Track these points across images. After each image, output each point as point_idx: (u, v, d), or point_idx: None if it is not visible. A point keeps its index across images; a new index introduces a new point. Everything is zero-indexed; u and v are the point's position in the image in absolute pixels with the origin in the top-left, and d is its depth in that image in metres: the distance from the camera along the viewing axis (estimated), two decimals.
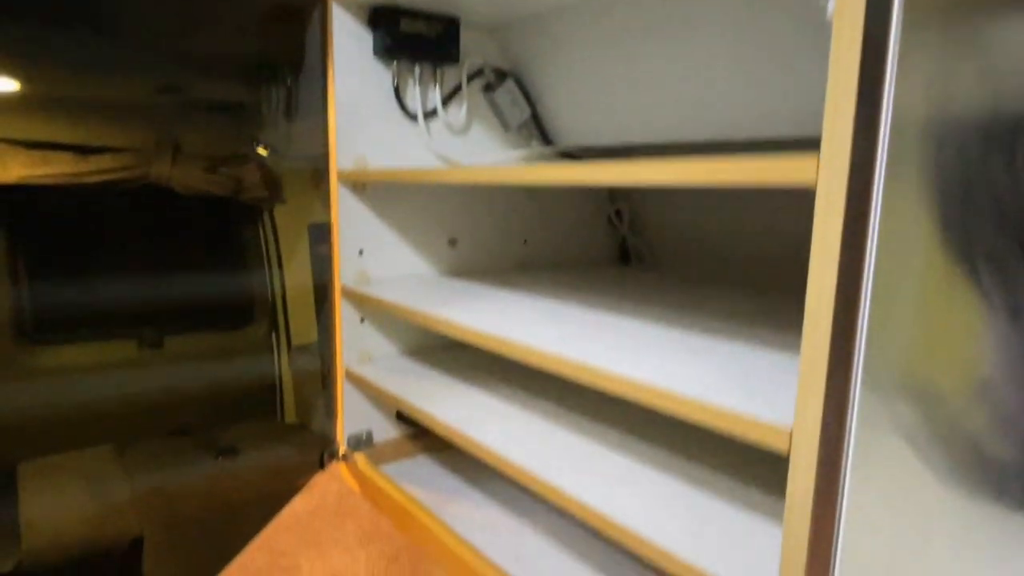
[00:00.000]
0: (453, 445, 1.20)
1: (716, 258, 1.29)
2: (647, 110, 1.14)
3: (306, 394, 2.60)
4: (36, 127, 2.07)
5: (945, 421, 0.61)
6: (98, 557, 1.91)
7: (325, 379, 1.19)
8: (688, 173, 0.58)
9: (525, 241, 1.36)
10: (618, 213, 1.45)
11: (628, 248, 1.47)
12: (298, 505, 1.07)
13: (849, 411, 0.49)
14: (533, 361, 0.75)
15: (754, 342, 0.80)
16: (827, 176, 0.47)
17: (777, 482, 0.77)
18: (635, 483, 0.76)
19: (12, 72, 1.70)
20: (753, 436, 0.55)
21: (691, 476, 0.78)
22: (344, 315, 1.14)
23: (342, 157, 1.11)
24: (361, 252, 1.15)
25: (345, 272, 1.13)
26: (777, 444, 0.52)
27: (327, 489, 1.15)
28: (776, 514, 0.69)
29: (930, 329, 0.54)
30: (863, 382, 0.49)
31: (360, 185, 1.14)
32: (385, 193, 1.17)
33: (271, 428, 2.65)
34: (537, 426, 0.91)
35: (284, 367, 2.73)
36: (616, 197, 1.44)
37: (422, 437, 1.26)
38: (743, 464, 0.82)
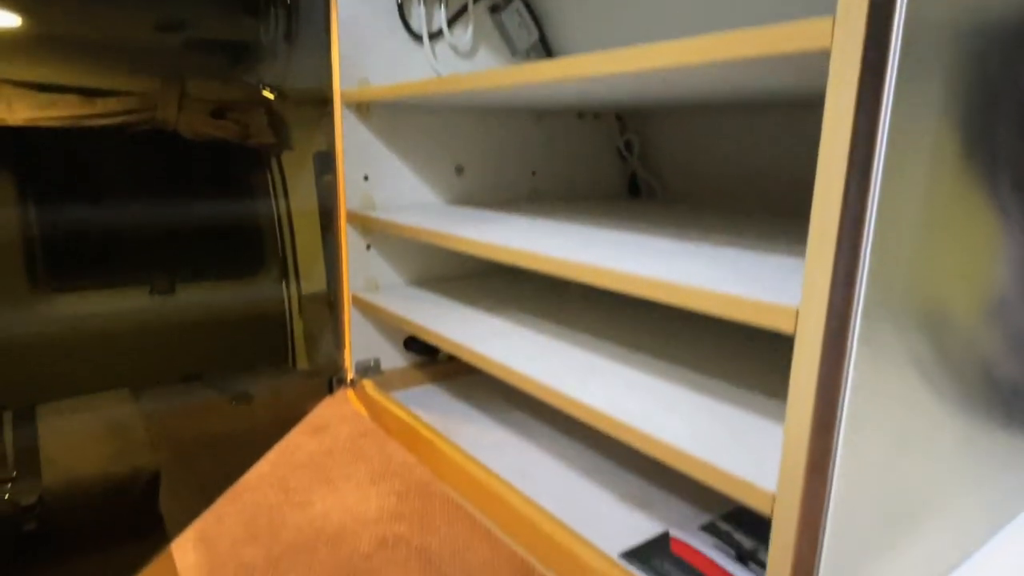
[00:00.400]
0: (460, 362, 1.21)
1: (728, 192, 1.27)
2: (660, 32, 1.10)
3: (316, 340, 2.62)
4: (42, 70, 2.06)
5: (955, 346, 0.60)
6: (116, 492, 1.96)
7: (332, 307, 1.19)
8: (686, 53, 0.56)
9: (534, 172, 1.34)
10: (627, 145, 1.42)
11: (638, 181, 1.44)
12: (310, 441, 1.08)
13: (856, 292, 0.48)
14: (542, 267, 0.74)
15: (764, 250, 0.79)
16: (842, 37, 0.45)
17: (783, 389, 0.77)
18: (641, 389, 0.75)
19: (14, 8, 1.68)
20: (761, 319, 0.54)
21: (696, 383, 0.78)
22: (350, 241, 1.14)
23: (345, 80, 1.09)
24: (366, 178, 1.14)
25: (350, 198, 1.12)
26: (783, 325, 0.51)
27: (337, 415, 1.16)
28: (780, 415, 0.69)
29: (942, 235, 0.53)
30: (871, 270, 0.48)
31: (364, 108, 1.12)
32: (390, 118, 1.15)
33: (283, 375, 2.69)
34: (547, 342, 0.91)
35: (296, 315, 2.75)
36: (626, 128, 1.42)
37: (430, 366, 1.26)
38: (749, 374, 0.81)
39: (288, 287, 2.64)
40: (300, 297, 2.67)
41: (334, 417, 1.12)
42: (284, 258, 2.64)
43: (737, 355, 0.87)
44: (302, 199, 2.56)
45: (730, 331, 0.98)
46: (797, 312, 0.50)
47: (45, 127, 2.01)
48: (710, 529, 0.80)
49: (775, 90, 0.83)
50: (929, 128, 0.48)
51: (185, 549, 0.81)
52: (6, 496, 1.89)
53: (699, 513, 0.84)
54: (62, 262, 2.34)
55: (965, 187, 0.52)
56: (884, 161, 0.46)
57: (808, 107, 1.07)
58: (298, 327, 2.67)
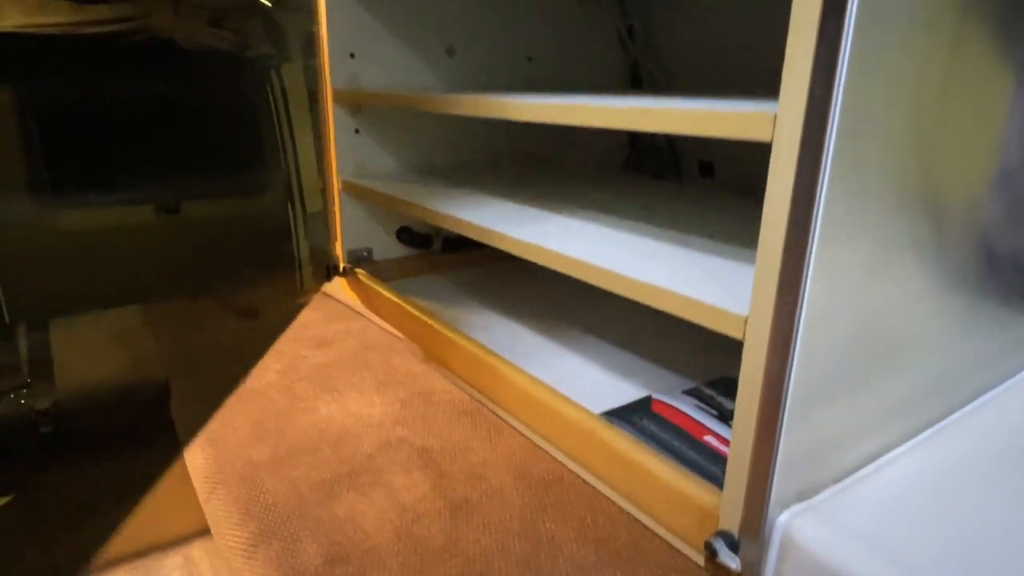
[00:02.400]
0: (453, 255, 1.19)
1: (734, 81, 1.21)
2: None
3: (319, 259, 2.62)
4: None
5: (954, 223, 0.57)
6: (127, 399, 2.01)
7: (323, 195, 1.18)
8: None
9: (529, 59, 1.29)
10: (630, 31, 1.36)
11: (640, 71, 1.39)
12: (315, 353, 1.07)
13: (834, 95, 0.45)
14: (532, 117, 0.71)
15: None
16: None
17: None
18: (624, 245, 0.73)
19: None
20: (741, 132, 0.51)
21: (676, 239, 0.76)
22: (337, 125, 1.11)
23: None
24: (352, 55, 1.10)
25: (336, 76, 1.09)
26: (761, 134, 0.49)
27: (342, 330, 1.16)
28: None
29: (944, 99, 0.49)
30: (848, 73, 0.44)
31: None
32: None
33: (289, 291, 2.70)
34: (537, 212, 0.89)
35: (301, 235, 2.74)
36: (628, 11, 1.35)
37: (424, 258, 1.25)
38: (728, 232, 0.79)
39: (293, 204, 2.63)
40: (305, 213, 2.67)
41: (335, 323, 1.12)
42: (288, 174, 2.61)
43: (721, 216, 0.85)
44: (303, 112, 2.51)
45: (713, 194, 0.96)
46: (775, 117, 0.47)
47: (40, 35, 1.97)
48: (693, 393, 0.79)
49: None
50: None
51: (195, 452, 0.83)
52: (23, 401, 1.94)
53: (684, 382, 0.84)
54: (67, 177, 2.34)
55: (972, 49, 0.48)
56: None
57: None
58: (303, 245, 2.68)
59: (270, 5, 2.21)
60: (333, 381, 1.01)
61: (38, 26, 1.96)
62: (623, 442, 0.66)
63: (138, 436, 2.07)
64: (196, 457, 0.81)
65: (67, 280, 2.31)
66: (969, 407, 0.67)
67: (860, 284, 0.50)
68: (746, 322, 0.51)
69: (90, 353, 2.08)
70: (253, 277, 2.59)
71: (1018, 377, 0.72)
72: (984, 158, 0.57)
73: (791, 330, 0.48)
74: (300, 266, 2.74)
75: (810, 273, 0.46)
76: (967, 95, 0.52)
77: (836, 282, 0.48)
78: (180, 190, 2.53)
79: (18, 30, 1.92)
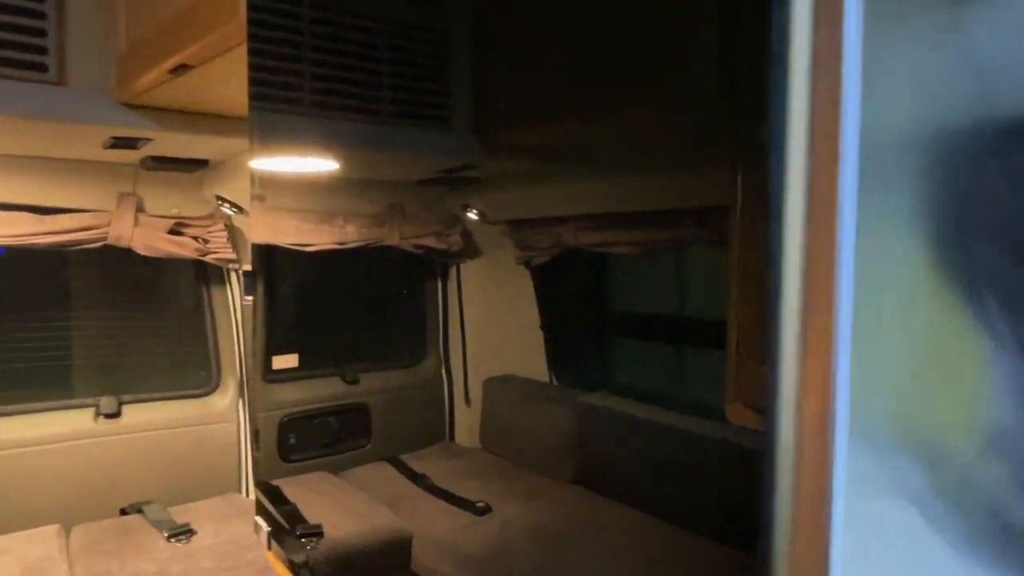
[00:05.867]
0: None
1: None
2: None
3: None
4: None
5: (953, 479, 0.51)
6: None
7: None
8: None
9: None
10: None
11: None
12: None
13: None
14: None
15: None
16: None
17: None
18: None
19: None
20: None
21: None
22: None
23: None
24: None
25: None
26: None
27: None
28: None
29: (924, 365, 0.45)
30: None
31: None
32: None
33: (233, 505, 2.47)
34: None
35: (245, 437, 2.58)
36: None
37: None
38: None
39: (239, 411, 2.50)
40: (254, 421, 2.53)
41: None
42: (242, 379, 2.52)
43: None
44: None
45: None
46: None
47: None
48: None
49: None
50: (903, 265, 0.41)
51: None
52: None
53: None
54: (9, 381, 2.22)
55: (951, 324, 0.45)
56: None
57: None
58: (249, 455, 2.51)
59: (232, 213, 2.26)
60: None
61: (4, 237, 1.96)
62: None
63: None
64: None
65: None
66: None
67: None
68: None
69: None
70: (190, 488, 2.38)
71: None
72: (1007, 447, 0.51)
73: None
74: (247, 473, 2.55)
75: None
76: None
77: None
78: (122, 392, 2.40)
79: None
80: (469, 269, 1.39)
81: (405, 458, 1.33)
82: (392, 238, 1.25)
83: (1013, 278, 0.45)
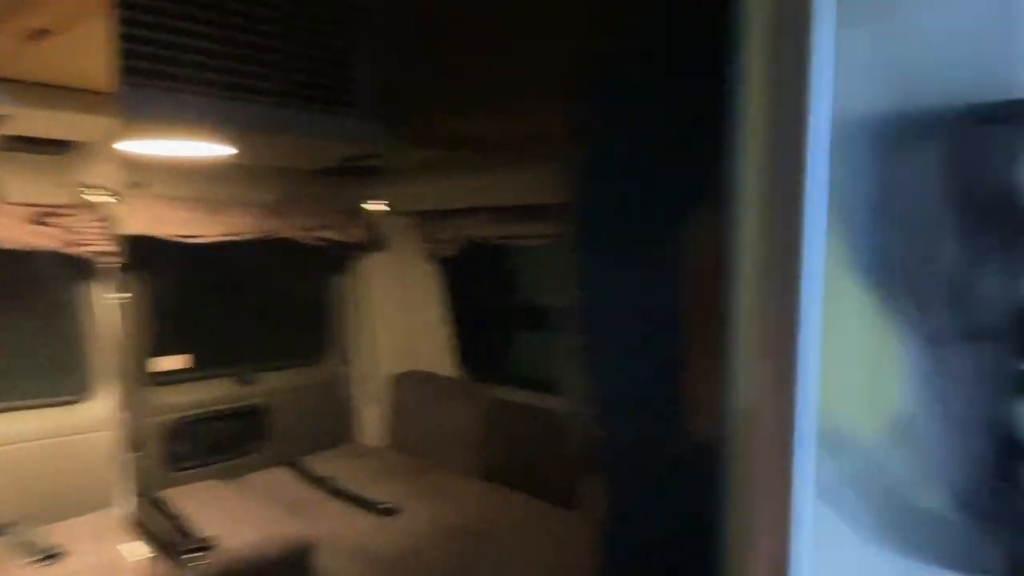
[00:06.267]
0: None
1: None
2: None
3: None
4: None
5: (861, 467, 0.53)
6: None
7: None
8: None
9: None
10: None
11: None
12: None
13: None
14: None
15: None
16: None
17: None
18: None
19: None
20: None
21: None
22: None
23: None
24: None
25: None
26: None
27: None
28: None
29: (830, 352, 0.46)
30: None
31: None
32: None
33: (113, 522, 2.28)
34: None
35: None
36: None
37: None
38: None
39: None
40: (131, 428, 2.34)
41: None
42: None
43: None
44: None
45: None
46: None
47: None
48: None
49: None
50: None
51: None
52: None
53: None
54: None
55: (862, 317, 0.46)
56: None
57: None
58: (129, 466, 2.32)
59: (102, 201, 2.07)
60: None
61: None
62: None
63: None
64: None
65: None
66: None
67: None
68: None
69: None
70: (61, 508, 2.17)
71: None
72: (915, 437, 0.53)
73: None
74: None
75: None
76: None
77: None
78: None
79: None
80: (373, 262, 1.34)
81: (306, 461, 1.27)
82: (290, 230, 1.18)
83: (919, 268, 0.47)
